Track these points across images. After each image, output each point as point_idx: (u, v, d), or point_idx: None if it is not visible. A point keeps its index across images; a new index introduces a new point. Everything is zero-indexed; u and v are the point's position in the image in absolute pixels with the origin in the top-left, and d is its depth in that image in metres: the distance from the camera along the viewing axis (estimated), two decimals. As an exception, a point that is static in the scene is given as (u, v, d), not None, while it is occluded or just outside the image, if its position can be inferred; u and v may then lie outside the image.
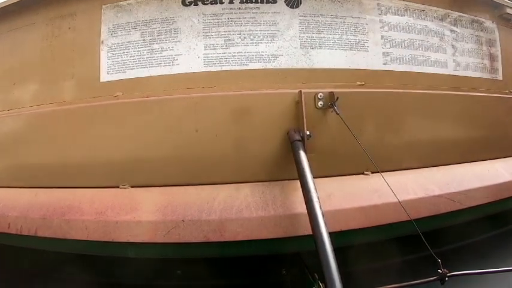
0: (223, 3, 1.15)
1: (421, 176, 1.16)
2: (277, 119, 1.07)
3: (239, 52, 1.14)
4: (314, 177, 0.91)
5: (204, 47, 1.14)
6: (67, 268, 1.15)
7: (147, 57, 1.15)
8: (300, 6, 1.17)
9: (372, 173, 1.11)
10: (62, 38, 1.23)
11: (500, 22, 1.49)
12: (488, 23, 1.47)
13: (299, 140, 1.01)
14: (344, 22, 1.20)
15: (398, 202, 0.96)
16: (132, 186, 1.09)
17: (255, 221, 0.97)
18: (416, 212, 1.04)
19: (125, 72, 1.16)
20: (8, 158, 1.26)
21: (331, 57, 1.18)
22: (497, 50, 1.48)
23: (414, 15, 1.30)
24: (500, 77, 1.48)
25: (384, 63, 1.23)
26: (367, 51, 1.21)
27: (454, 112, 1.31)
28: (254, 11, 1.16)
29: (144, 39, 1.16)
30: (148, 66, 1.15)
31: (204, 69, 1.14)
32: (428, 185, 1.13)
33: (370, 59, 1.22)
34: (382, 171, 1.00)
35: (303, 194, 0.89)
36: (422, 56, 1.29)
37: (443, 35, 1.34)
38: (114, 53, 1.17)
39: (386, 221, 1.03)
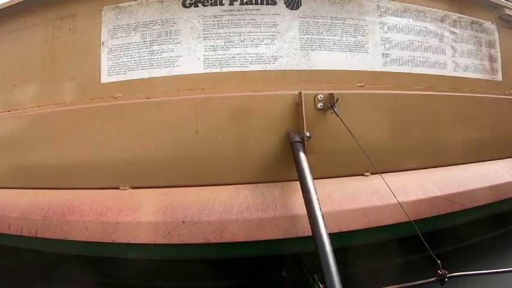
0: (224, 4, 1.15)
1: (421, 177, 1.16)
2: (277, 121, 1.08)
3: (239, 54, 1.14)
4: (314, 179, 0.91)
5: (204, 48, 1.15)
6: (67, 268, 1.16)
7: (147, 59, 1.15)
8: (300, 8, 1.18)
9: (372, 174, 1.11)
10: (63, 39, 1.23)
11: (499, 23, 1.50)
12: (487, 24, 1.47)
13: (299, 142, 1.01)
14: (344, 23, 1.20)
15: (398, 203, 0.97)
16: (132, 188, 1.09)
17: (255, 222, 0.97)
18: (416, 213, 1.04)
19: (126, 73, 1.16)
20: (9, 159, 1.27)
21: (331, 59, 1.18)
22: (496, 51, 1.49)
23: (414, 16, 1.30)
24: (499, 78, 1.49)
25: (384, 65, 1.23)
26: (367, 52, 1.22)
27: (453, 113, 1.31)
28: (254, 12, 1.16)
29: (144, 41, 1.16)
30: (148, 67, 1.15)
31: (204, 71, 1.14)
32: (428, 186, 1.13)
33: (370, 61, 1.22)
34: (382, 172, 1.01)
35: (303, 195, 0.89)
36: (422, 57, 1.29)
37: (443, 36, 1.35)
38: (115, 54, 1.17)
39: (386, 222, 1.03)
